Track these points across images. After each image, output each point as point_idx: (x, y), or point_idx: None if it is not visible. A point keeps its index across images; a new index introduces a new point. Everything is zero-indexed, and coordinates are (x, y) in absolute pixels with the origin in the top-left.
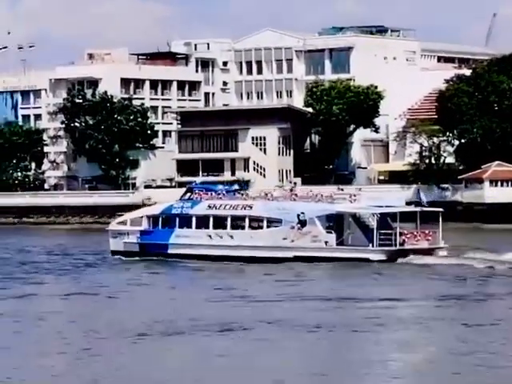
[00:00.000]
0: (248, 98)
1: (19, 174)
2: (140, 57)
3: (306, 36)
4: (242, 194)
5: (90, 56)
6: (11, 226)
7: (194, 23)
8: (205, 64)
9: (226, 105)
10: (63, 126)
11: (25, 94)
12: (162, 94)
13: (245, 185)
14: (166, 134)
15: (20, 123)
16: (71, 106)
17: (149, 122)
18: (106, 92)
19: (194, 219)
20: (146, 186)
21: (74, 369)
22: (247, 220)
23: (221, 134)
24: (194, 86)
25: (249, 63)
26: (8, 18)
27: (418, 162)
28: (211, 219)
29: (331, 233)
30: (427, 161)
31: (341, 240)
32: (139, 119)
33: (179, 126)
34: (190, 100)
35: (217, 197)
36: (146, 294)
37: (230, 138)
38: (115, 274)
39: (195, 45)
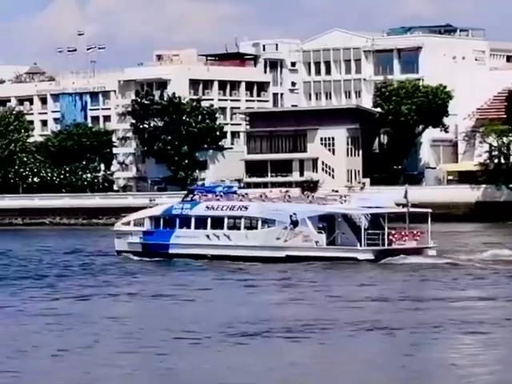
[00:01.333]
0: (316, 98)
1: (88, 175)
2: (208, 58)
3: (375, 36)
4: (239, 195)
5: (159, 57)
6: (81, 227)
7: (262, 24)
8: (273, 65)
9: (295, 105)
10: (132, 127)
11: (94, 95)
12: (231, 95)
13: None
14: (234, 134)
15: (89, 125)
16: (140, 108)
17: (217, 122)
18: (174, 93)
19: (193, 220)
20: None
21: (156, 367)
22: (243, 220)
23: (289, 134)
24: (262, 86)
25: (317, 63)
26: (78, 19)
27: (487, 161)
28: (209, 220)
29: (322, 233)
30: (496, 161)
31: (331, 240)
32: (207, 120)
33: (248, 127)
34: (258, 101)
35: (215, 198)
36: (222, 296)
37: (298, 138)
38: (189, 275)
39: (263, 45)
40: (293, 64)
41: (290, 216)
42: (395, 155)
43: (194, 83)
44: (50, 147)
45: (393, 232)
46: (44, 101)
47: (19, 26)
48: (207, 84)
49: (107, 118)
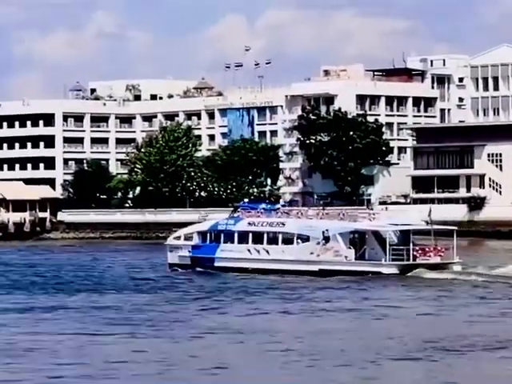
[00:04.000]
0: (484, 114)
1: (255, 189)
2: (375, 73)
3: None
4: (280, 212)
5: (326, 72)
6: None
7: (430, 38)
8: (440, 80)
9: (462, 121)
10: (298, 142)
11: (261, 110)
12: (398, 111)
13: (288, 203)
14: (401, 150)
15: (256, 139)
16: (306, 123)
17: (384, 138)
18: (339, 109)
19: (236, 235)
20: (381, 203)
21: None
22: (280, 236)
23: (456, 150)
24: (429, 102)
25: (485, 79)
26: (247, 34)
27: None
28: (250, 235)
29: (351, 248)
30: None
31: (359, 255)
32: (373, 136)
33: (414, 143)
34: (425, 116)
35: (256, 214)
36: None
37: (465, 154)
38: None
39: (431, 61)
40: (460, 79)
41: (323, 232)
42: None
43: (360, 98)
44: (218, 162)
45: (417, 248)
46: (212, 115)
47: (188, 42)
48: (374, 99)
49: (274, 133)
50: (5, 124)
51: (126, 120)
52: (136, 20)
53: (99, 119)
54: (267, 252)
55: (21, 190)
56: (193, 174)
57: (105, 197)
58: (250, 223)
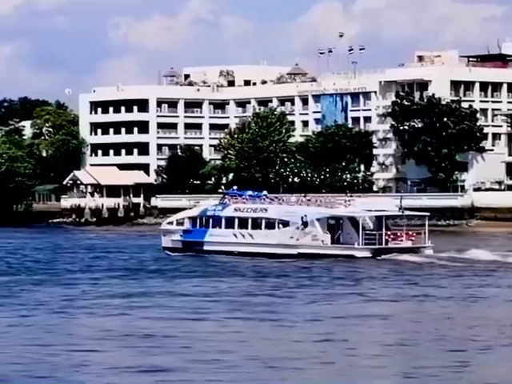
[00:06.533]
0: None
1: (348, 176)
2: (470, 59)
3: None
4: (263, 198)
5: (420, 58)
6: None
7: None
8: None
9: None
10: (392, 128)
11: (355, 96)
12: (492, 96)
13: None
14: (495, 136)
15: (349, 125)
16: (400, 109)
17: (478, 124)
18: (433, 95)
19: (223, 220)
20: (475, 189)
21: None
22: (263, 221)
23: None
24: None
25: None
26: (341, 20)
27: None
28: (236, 220)
29: (327, 233)
30: None
31: (335, 239)
32: (467, 122)
33: (509, 129)
34: None
35: (241, 201)
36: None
37: None
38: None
39: None
40: None
41: (302, 218)
42: None
43: (455, 84)
44: (311, 148)
45: (389, 233)
46: (305, 101)
47: (283, 27)
48: (468, 85)
49: (367, 119)
50: (99, 110)
51: (220, 106)
52: (230, 6)
53: (193, 105)
54: (251, 236)
55: (115, 175)
56: (286, 159)
57: (198, 182)
58: (236, 209)
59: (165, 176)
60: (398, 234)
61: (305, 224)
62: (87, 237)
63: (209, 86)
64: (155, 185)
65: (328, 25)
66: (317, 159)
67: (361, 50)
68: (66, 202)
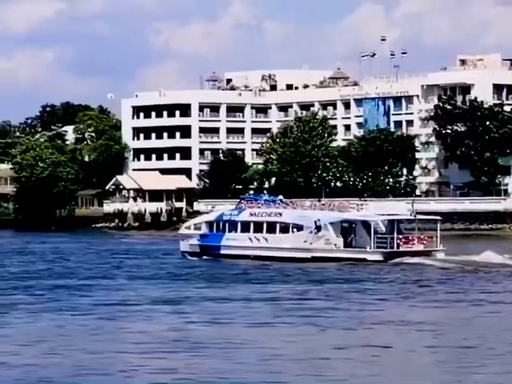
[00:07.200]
0: None
1: (390, 180)
2: None
3: None
4: (278, 203)
5: (462, 62)
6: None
7: None
8: None
9: None
10: (434, 132)
11: (397, 100)
12: None
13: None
14: None
15: (392, 129)
16: (442, 113)
17: None
18: (476, 98)
19: (239, 224)
20: None
21: None
22: (278, 225)
23: None
24: None
25: None
26: (383, 24)
27: None
28: (252, 225)
29: (340, 237)
30: None
31: (348, 243)
32: (510, 126)
33: None
34: None
35: (257, 205)
36: None
37: None
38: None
39: None
40: None
41: (315, 222)
42: None
43: (497, 88)
44: (353, 152)
45: (400, 236)
46: (347, 105)
47: (324, 31)
48: (511, 89)
49: (410, 123)
50: (141, 114)
51: (262, 110)
52: (272, 10)
53: (235, 109)
54: (266, 240)
55: (157, 180)
56: (328, 164)
57: (240, 187)
58: (251, 213)
59: (207, 180)
60: (410, 237)
61: (318, 228)
62: (130, 241)
63: (251, 90)
64: (197, 189)
65: (370, 28)
66: (359, 163)
67: (403, 53)
68: (109, 206)
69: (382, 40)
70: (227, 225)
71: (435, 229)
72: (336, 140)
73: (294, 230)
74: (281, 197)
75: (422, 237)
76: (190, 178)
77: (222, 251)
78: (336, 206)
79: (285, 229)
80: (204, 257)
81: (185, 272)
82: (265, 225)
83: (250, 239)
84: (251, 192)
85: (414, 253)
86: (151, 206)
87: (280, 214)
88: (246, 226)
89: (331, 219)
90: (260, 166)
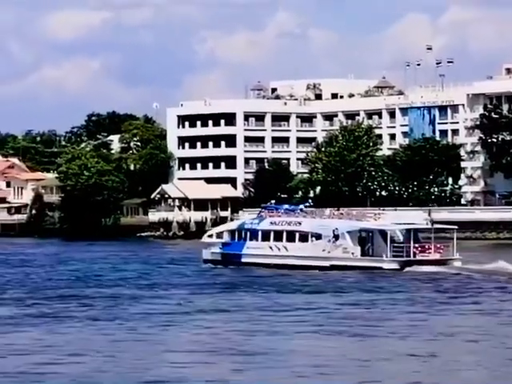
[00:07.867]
0: None
1: (436, 189)
2: None
3: None
4: (298, 212)
5: (508, 70)
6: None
7: None
8: None
9: None
10: (480, 141)
11: (442, 109)
12: None
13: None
14: None
15: (437, 138)
16: (488, 122)
17: None
18: None
19: (259, 233)
20: None
21: None
22: (297, 234)
23: None
24: None
25: None
26: (429, 32)
27: None
28: (272, 233)
29: (357, 245)
30: None
31: (364, 251)
32: None
33: None
34: None
35: (277, 214)
36: None
37: None
38: None
39: None
40: None
41: (333, 231)
42: None
43: None
44: (398, 161)
45: (417, 245)
46: (392, 114)
47: (370, 40)
48: None
49: (455, 132)
50: (187, 123)
51: (307, 119)
52: (316, 19)
53: (280, 118)
54: (286, 249)
55: (202, 189)
56: (373, 173)
57: (285, 196)
58: (271, 222)
59: (252, 189)
60: (426, 246)
61: (336, 237)
62: (176, 250)
63: (296, 99)
64: (242, 198)
65: (415, 37)
66: (404, 172)
67: (449, 62)
68: (154, 215)
69: (428, 49)
70: (248, 233)
71: (452, 237)
72: (381, 149)
73: (313, 238)
74: (302, 206)
75: (438, 246)
76: (235, 187)
77: (243, 259)
78: (354, 215)
79: (304, 237)
80: (226, 265)
81: (229, 281)
82: (284, 234)
83: (271, 248)
84: (272, 201)
85: (430, 261)
86: (196, 215)
87: (299, 223)
88: (266, 235)
89: (349, 228)
90: (305, 175)
